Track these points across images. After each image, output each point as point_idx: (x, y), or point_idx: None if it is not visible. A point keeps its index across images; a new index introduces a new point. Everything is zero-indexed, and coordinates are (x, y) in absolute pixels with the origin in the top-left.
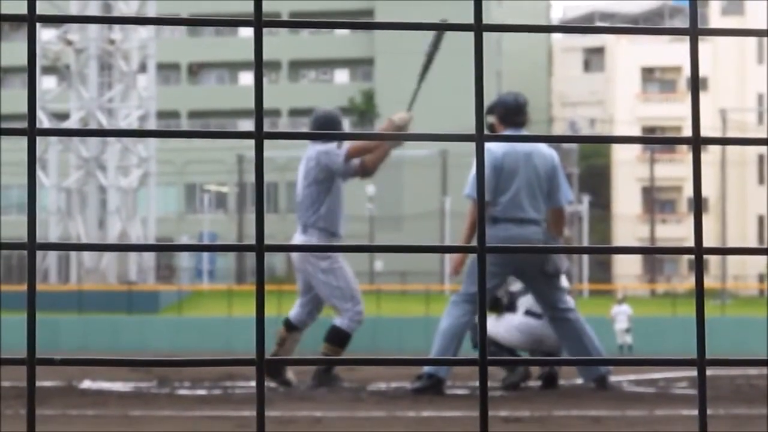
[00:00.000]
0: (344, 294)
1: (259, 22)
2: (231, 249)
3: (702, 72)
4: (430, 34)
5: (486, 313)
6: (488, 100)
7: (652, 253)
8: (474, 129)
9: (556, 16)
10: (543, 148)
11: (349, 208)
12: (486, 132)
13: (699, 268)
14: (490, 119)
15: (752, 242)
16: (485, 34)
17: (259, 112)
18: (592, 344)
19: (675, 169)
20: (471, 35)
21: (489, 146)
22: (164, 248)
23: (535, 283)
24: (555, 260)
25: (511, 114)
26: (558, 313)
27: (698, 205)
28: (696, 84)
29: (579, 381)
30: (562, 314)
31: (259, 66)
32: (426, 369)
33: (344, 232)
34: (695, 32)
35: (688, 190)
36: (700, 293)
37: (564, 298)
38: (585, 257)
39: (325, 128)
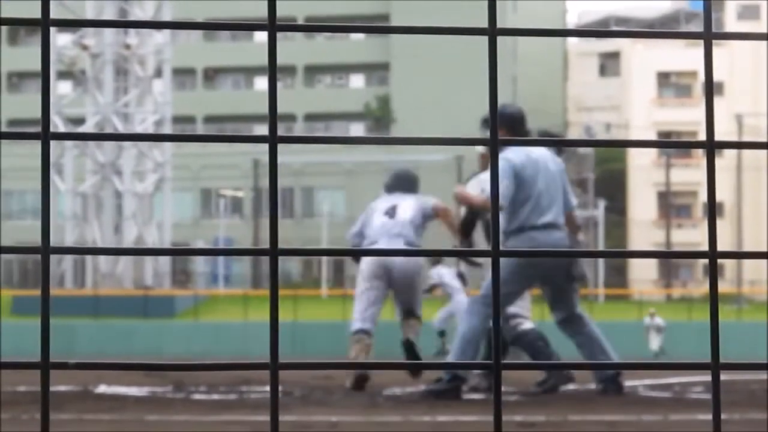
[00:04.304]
0: None
1: (273, 25)
2: (244, 253)
3: (717, 77)
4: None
5: (500, 318)
6: (504, 104)
7: (667, 257)
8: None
9: (571, 21)
10: (550, 154)
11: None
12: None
13: (713, 272)
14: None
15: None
16: (500, 39)
17: (273, 117)
18: (608, 347)
19: (691, 173)
20: (486, 39)
21: (506, 155)
22: (179, 252)
23: (559, 288)
24: (581, 264)
25: (518, 124)
26: (576, 317)
27: (712, 208)
28: (710, 88)
29: (593, 386)
30: (581, 319)
31: (273, 70)
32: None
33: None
34: (709, 36)
35: (704, 195)
36: (714, 297)
37: (578, 302)
38: (601, 262)
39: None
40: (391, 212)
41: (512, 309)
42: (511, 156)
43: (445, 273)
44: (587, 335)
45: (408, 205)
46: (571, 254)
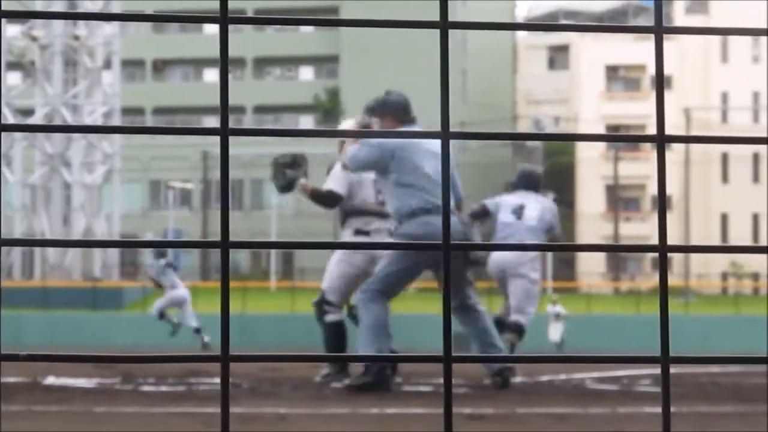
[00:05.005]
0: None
1: (225, 18)
2: (196, 246)
3: (666, 70)
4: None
5: (450, 310)
6: (454, 97)
7: (618, 251)
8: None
9: (520, 15)
10: (437, 143)
11: (317, 208)
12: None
13: (663, 266)
14: (373, 119)
15: (715, 240)
16: (450, 33)
17: (224, 109)
18: (499, 343)
19: (639, 167)
20: (436, 34)
21: (380, 140)
22: (129, 244)
23: (455, 273)
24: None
25: (403, 111)
26: (470, 304)
27: (662, 203)
28: (661, 82)
29: (543, 378)
30: (474, 306)
31: (224, 62)
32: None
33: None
34: (660, 31)
35: (652, 188)
36: (664, 291)
37: (472, 290)
38: (549, 254)
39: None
40: (517, 211)
41: (330, 296)
42: (384, 141)
43: (163, 265)
44: (480, 328)
45: (534, 206)
46: (523, 248)
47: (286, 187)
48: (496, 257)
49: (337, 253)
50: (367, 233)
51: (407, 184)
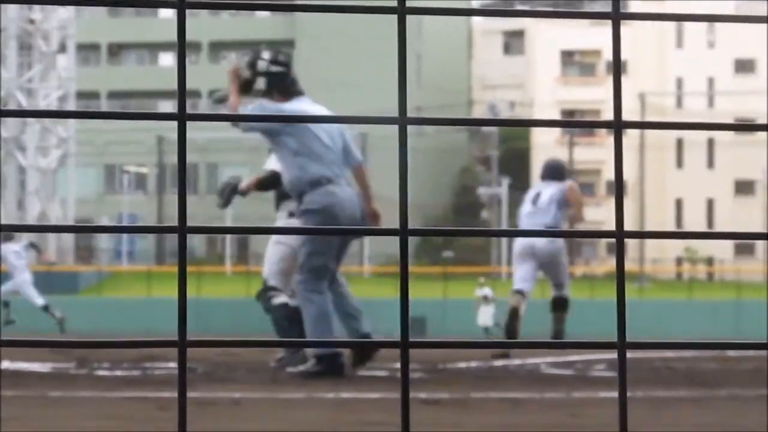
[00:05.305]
0: None
1: (182, 2)
2: (153, 231)
3: (622, 56)
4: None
5: (408, 294)
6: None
7: (574, 236)
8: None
9: (477, 1)
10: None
11: (272, 193)
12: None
13: (620, 252)
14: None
15: (670, 226)
16: (407, 18)
17: (181, 94)
18: (334, 329)
19: (594, 152)
20: (393, 19)
21: (283, 105)
22: (86, 230)
23: (346, 245)
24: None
25: (289, 85)
26: (337, 282)
27: (620, 188)
28: (618, 68)
29: (498, 363)
30: (342, 288)
31: (182, 47)
32: (320, 351)
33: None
34: (618, 17)
35: (607, 173)
36: (621, 276)
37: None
38: (504, 240)
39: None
40: (535, 199)
41: (272, 281)
42: (287, 107)
43: (10, 251)
44: (341, 310)
45: (548, 192)
46: (482, 233)
47: (226, 205)
48: (540, 245)
49: (273, 237)
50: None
51: (308, 153)
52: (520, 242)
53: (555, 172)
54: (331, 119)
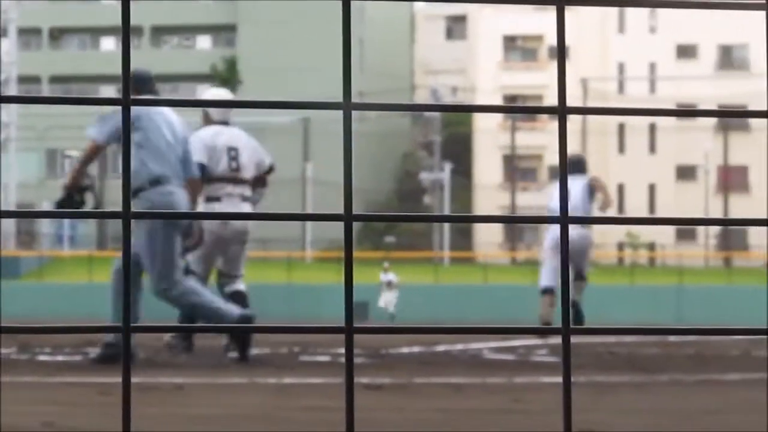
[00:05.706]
0: None
1: None
2: (98, 216)
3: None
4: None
5: (352, 280)
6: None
7: (519, 222)
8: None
9: None
10: (174, 113)
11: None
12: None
13: (565, 237)
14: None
15: (612, 211)
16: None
17: (126, 79)
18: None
19: (536, 137)
20: (336, 5)
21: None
22: (31, 215)
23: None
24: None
25: (145, 82)
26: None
27: (564, 174)
28: (562, 54)
29: (440, 348)
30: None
31: (126, 32)
32: (109, 338)
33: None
34: (562, 3)
35: (549, 159)
36: (564, 262)
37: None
38: (446, 225)
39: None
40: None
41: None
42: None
43: None
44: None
45: (575, 185)
46: (426, 219)
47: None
48: (572, 240)
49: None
50: (218, 199)
51: (150, 147)
52: (552, 237)
53: (578, 165)
54: (275, 104)
